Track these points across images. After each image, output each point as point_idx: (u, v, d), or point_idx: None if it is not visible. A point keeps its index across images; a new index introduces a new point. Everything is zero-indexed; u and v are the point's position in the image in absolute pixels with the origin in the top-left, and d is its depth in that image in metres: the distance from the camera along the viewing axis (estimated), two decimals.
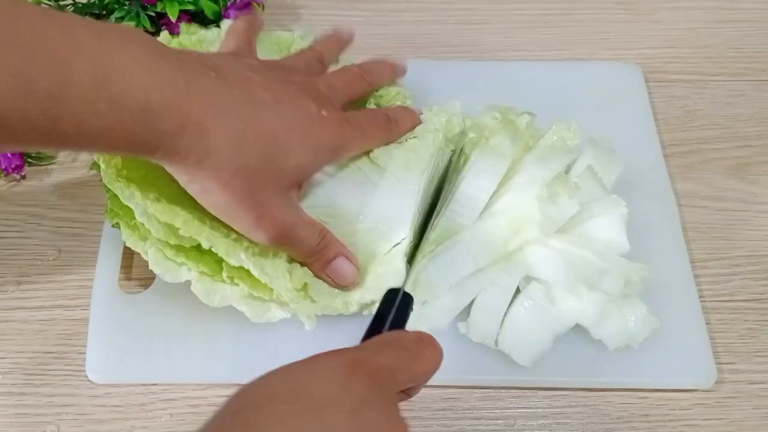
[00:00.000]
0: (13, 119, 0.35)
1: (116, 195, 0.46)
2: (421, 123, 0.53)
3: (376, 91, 0.56)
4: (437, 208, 0.52)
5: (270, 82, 0.46)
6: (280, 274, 0.47)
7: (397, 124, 0.52)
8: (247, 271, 0.47)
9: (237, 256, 0.46)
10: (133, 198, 0.45)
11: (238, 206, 0.44)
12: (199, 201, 0.44)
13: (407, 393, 0.37)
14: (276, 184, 0.45)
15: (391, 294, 0.42)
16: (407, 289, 0.42)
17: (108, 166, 0.46)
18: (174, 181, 0.47)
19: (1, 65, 0.34)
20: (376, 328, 0.40)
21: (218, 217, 0.45)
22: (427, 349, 0.37)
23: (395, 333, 0.40)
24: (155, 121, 0.39)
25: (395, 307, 0.41)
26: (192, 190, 0.43)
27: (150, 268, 0.47)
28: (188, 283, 0.47)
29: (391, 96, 0.56)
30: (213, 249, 0.46)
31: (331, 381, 0.32)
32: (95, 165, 0.48)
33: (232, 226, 0.45)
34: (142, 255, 0.47)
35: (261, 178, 0.44)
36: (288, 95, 0.46)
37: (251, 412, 0.30)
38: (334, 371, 0.33)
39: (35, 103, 0.35)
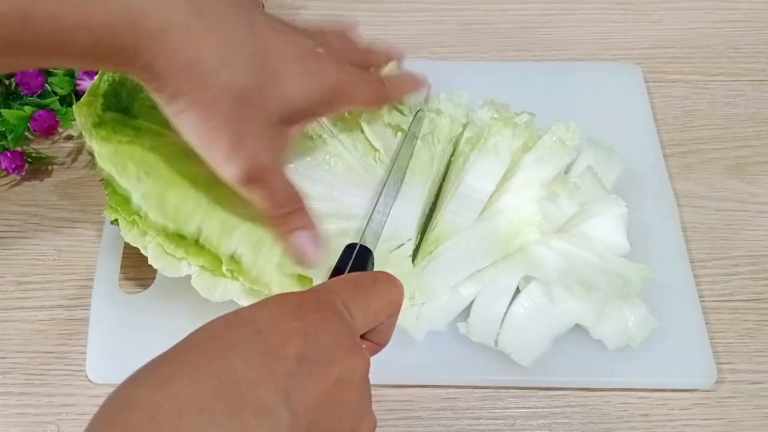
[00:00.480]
0: None
1: (114, 191, 0.46)
2: (421, 87, 0.53)
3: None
4: (437, 207, 0.52)
5: (269, 16, 0.44)
6: (273, 265, 0.46)
7: (393, 86, 0.50)
8: (242, 266, 0.47)
9: (229, 244, 0.45)
10: (129, 180, 0.45)
11: (216, 131, 0.40)
12: (176, 125, 0.41)
13: (374, 341, 0.36)
14: (261, 115, 0.41)
15: (349, 249, 0.41)
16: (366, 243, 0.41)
17: (102, 148, 0.46)
18: (170, 163, 0.47)
19: None
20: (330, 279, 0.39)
21: (194, 147, 0.42)
22: (383, 283, 0.36)
23: (349, 274, 0.39)
24: (137, 18, 0.36)
25: (351, 261, 0.40)
26: (170, 111, 0.40)
27: (150, 263, 0.46)
28: (188, 283, 0.47)
29: None
30: (201, 238, 0.45)
31: (279, 313, 0.31)
32: (93, 163, 0.48)
33: (205, 157, 0.42)
34: (142, 250, 0.47)
35: (246, 105, 0.40)
36: (285, 28, 0.44)
37: (200, 339, 0.30)
38: (283, 305, 0.32)
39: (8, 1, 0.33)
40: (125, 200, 0.46)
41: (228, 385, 0.27)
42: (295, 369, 0.29)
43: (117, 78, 0.49)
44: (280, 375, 0.29)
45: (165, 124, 0.44)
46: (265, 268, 0.46)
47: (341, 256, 0.40)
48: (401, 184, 0.51)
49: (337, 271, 0.40)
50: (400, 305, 0.36)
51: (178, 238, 0.46)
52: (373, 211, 0.47)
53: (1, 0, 0.33)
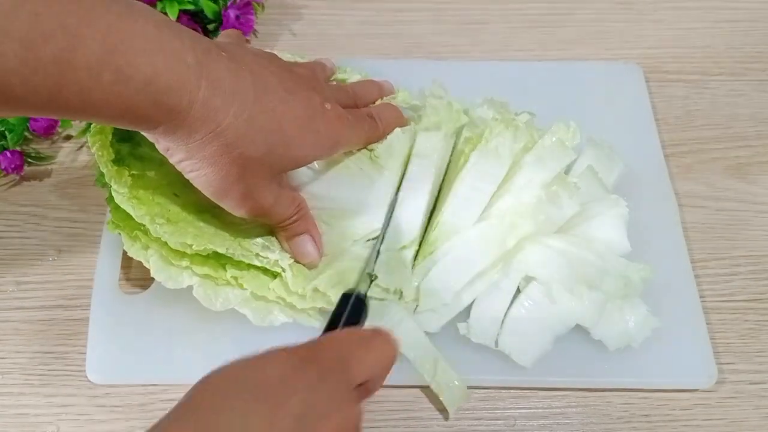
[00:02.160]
0: (15, 84, 0.34)
1: (118, 206, 0.47)
2: (405, 121, 0.54)
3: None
4: (436, 208, 0.52)
5: (279, 69, 0.46)
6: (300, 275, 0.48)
7: (382, 123, 0.52)
8: (253, 271, 0.47)
9: (250, 256, 0.47)
10: (143, 219, 0.46)
11: (229, 188, 0.44)
12: (187, 177, 0.44)
13: (366, 391, 0.37)
14: (270, 171, 0.45)
15: (345, 298, 0.43)
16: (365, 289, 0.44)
17: (119, 186, 0.46)
18: (179, 195, 0.48)
19: (6, 28, 0.33)
20: (328, 331, 0.41)
21: (203, 192, 0.45)
22: (379, 340, 0.38)
23: (347, 329, 0.41)
24: (161, 96, 0.38)
25: (348, 310, 0.42)
26: (184, 167, 0.43)
27: (152, 275, 0.47)
28: (189, 287, 0.47)
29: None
30: (229, 253, 0.47)
31: (282, 369, 0.33)
32: (100, 179, 0.48)
33: (214, 200, 0.45)
34: (144, 263, 0.47)
35: (258, 165, 0.44)
36: (295, 84, 0.46)
37: (205, 395, 0.32)
38: (288, 360, 0.34)
39: (39, 70, 0.34)
40: (127, 216, 0.47)
41: None
42: (294, 427, 0.32)
43: None
44: None
45: None
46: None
47: (337, 306, 0.43)
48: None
49: (333, 321, 0.42)
50: (395, 360, 0.38)
51: (182, 251, 0.46)
52: (374, 254, 0.49)
53: (36, 72, 0.35)
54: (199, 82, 0.39)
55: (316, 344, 0.36)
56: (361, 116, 0.51)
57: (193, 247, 0.46)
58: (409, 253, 0.50)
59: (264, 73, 0.44)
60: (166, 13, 0.60)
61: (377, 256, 0.49)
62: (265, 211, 0.46)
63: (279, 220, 0.48)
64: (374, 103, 0.55)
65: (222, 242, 0.47)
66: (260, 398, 0.32)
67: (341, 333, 0.40)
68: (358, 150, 0.52)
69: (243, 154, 0.42)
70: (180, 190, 0.49)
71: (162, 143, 0.42)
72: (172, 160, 0.43)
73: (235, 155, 0.42)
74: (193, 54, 0.39)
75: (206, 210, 0.49)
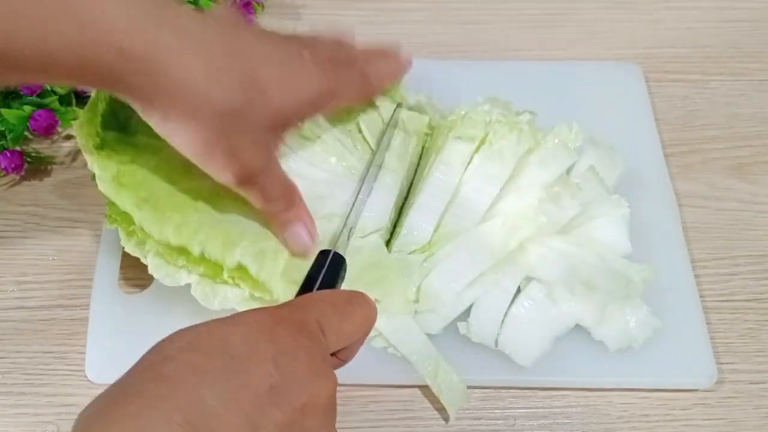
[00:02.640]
0: None
1: (114, 203, 0.46)
2: (401, 71, 0.53)
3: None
4: (410, 196, 0.53)
5: (254, 26, 0.44)
6: (279, 273, 0.47)
7: (375, 78, 0.50)
8: (248, 271, 0.47)
9: (233, 256, 0.46)
10: (125, 206, 0.45)
11: (211, 148, 0.42)
12: (169, 141, 0.42)
13: (341, 358, 0.36)
14: (253, 126, 0.42)
15: (323, 255, 0.41)
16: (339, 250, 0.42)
17: (103, 172, 0.46)
18: (178, 182, 0.47)
19: None
20: (304, 291, 0.40)
21: (189, 158, 0.43)
22: (358, 305, 0.36)
23: (324, 291, 0.39)
24: (122, 42, 0.36)
25: (324, 269, 0.41)
26: (162, 130, 0.41)
27: (150, 272, 0.47)
28: (188, 285, 0.47)
29: None
30: (205, 254, 0.45)
31: (253, 334, 0.31)
32: (94, 176, 0.48)
33: (200, 167, 0.43)
34: (142, 259, 0.47)
35: (237, 119, 0.41)
36: (271, 37, 0.44)
37: (168, 364, 0.29)
38: (257, 324, 0.32)
39: None
40: (124, 211, 0.47)
41: (196, 423, 0.27)
42: (264, 401, 0.29)
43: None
44: (249, 409, 0.29)
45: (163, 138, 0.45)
46: (270, 276, 0.46)
47: (314, 263, 0.41)
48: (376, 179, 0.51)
49: (310, 278, 0.40)
50: (372, 327, 0.37)
51: (178, 249, 0.46)
52: (350, 213, 0.48)
53: None
54: (160, 28, 0.37)
55: (288, 306, 0.35)
56: (352, 72, 0.49)
57: (171, 241, 0.45)
58: (377, 238, 0.50)
59: (236, 24, 0.42)
60: None
61: (343, 228, 0.47)
62: (254, 177, 0.44)
63: (267, 200, 0.45)
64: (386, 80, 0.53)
65: (206, 238, 0.45)
66: (225, 368, 0.29)
67: (317, 294, 0.38)
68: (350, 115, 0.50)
69: (218, 107, 0.40)
70: (180, 176, 0.47)
71: (137, 104, 0.40)
72: (151, 124, 0.41)
73: (209, 109, 0.40)
74: (153, 3, 0.38)
75: (206, 199, 0.47)
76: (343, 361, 0.37)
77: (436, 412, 0.49)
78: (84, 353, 0.50)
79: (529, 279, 0.50)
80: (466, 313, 0.50)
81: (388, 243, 0.51)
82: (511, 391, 0.50)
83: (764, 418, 0.50)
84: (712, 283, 0.55)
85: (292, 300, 0.36)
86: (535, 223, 0.50)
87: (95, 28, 0.36)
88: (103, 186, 0.46)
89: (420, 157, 0.56)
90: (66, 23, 0.35)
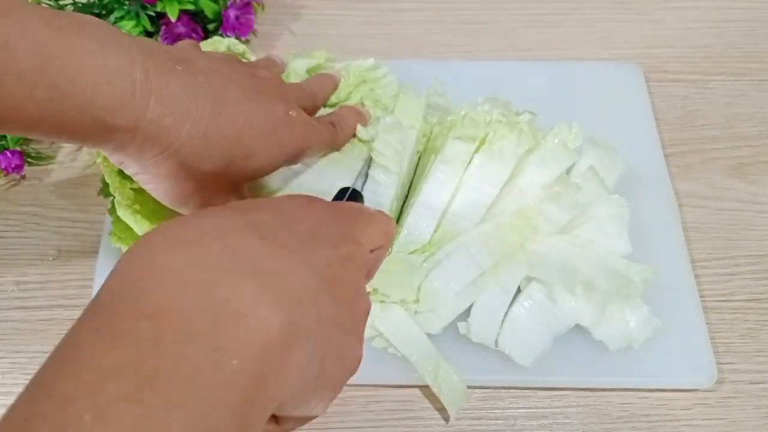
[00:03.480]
0: None
1: (119, 218, 0.47)
2: (366, 119, 0.54)
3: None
4: (408, 198, 0.53)
5: (240, 76, 0.44)
6: None
7: (342, 130, 0.51)
8: None
9: None
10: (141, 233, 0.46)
11: (187, 200, 0.43)
12: (143, 187, 0.43)
13: (373, 260, 0.37)
14: (229, 183, 0.44)
15: (342, 192, 0.43)
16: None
17: (122, 198, 0.46)
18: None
19: None
20: None
21: (161, 202, 0.44)
22: (381, 215, 0.38)
23: (351, 202, 0.42)
24: (103, 116, 0.37)
25: (346, 197, 0.43)
26: (140, 180, 0.42)
27: None
28: None
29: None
30: None
31: (298, 201, 0.34)
32: (104, 189, 0.48)
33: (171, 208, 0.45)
34: None
35: (216, 178, 0.43)
36: (257, 92, 0.44)
37: (227, 212, 0.30)
38: (300, 197, 0.34)
39: None
40: (129, 228, 0.47)
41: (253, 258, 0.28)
42: (307, 240, 0.31)
43: None
44: (296, 245, 0.30)
45: None
46: None
47: (335, 197, 0.43)
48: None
49: None
50: (392, 238, 0.39)
51: None
52: (363, 168, 0.51)
53: None
54: (146, 100, 0.38)
55: (317, 203, 0.35)
56: (324, 124, 0.50)
57: None
58: None
59: (224, 82, 0.42)
60: (165, 14, 0.60)
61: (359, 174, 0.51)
62: None
63: None
64: (329, 97, 0.55)
65: None
66: (274, 219, 0.30)
67: (342, 203, 0.40)
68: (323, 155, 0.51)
69: (200, 170, 0.41)
70: None
71: (114, 157, 0.41)
72: (127, 172, 0.42)
73: (191, 171, 0.41)
74: (143, 70, 0.38)
75: None
76: (375, 264, 0.37)
77: (436, 412, 0.49)
78: None
79: (529, 279, 0.50)
80: (466, 313, 0.50)
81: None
82: (511, 391, 0.50)
83: (764, 418, 0.50)
84: (712, 283, 0.55)
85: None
86: (535, 223, 0.50)
87: (76, 100, 0.36)
88: (123, 212, 0.47)
89: (419, 157, 0.56)
90: (45, 92, 0.35)
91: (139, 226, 0.46)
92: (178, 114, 0.39)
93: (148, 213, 0.47)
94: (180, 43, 0.47)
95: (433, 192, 0.51)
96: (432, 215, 0.51)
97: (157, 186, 0.42)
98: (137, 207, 0.47)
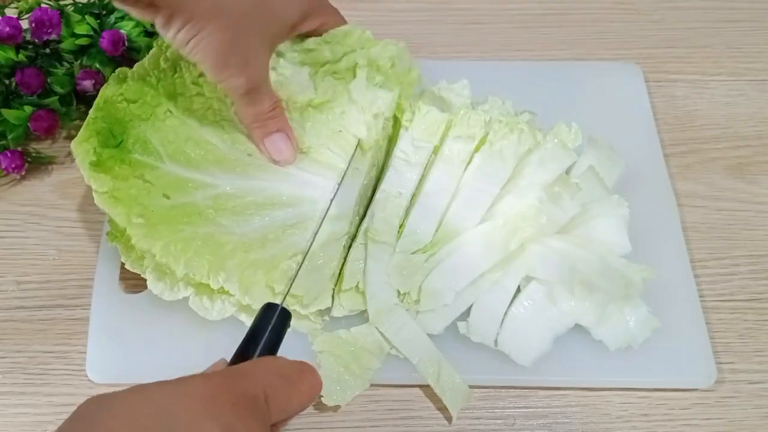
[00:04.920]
0: None
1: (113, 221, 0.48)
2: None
3: None
4: (371, 202, 0.52)
5: None
6: (262, 294, 0.47)
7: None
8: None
9: (216, 281, 0.46)
10: (119, 218, 0.47)
11: (229, 54, 0.45)
12: (188, 52, 0.45)
13: (277, 427, 0.35)
14: (262, 33, 0.47)
15: (268, 310, 0.39)
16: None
17: (100, 187, 0.47)
18: (170, 197, 0.48)
19: None
20: (249, 346, 0.38)
21: (202, 67, 0.46)
22: (308, 381, 0.36)
23: (275, 359, 0.37)
24: None
25: (271, 326, 0.38)
26: (182, 37, 0.44)
27: (149, 287, 0.48)
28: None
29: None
30: (190, 275, 0.46)
31: (194, 407, 0.30)
32: (112, 234, 0.50)
33: (213, 74, 0.46)
34: (141, 275, 0.48)
35: (247, 25, 0.45)
36: None
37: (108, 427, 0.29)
38: (202, 397, 0.31)
39: None
40: (124, 228, 0.47)
41: None
42: None
43: (112, 112, 0.51)
44: None
45: (158, 156, 0.49)
46: (254, 299, 0.47)
47: (259, 317, 0.39)
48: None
49: (254, 334, 0.39)
50: (315, 398, 0.36)
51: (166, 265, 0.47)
52: (302, 263, 0.47)
53: None
54: None
55: (236, 373, 0.33)
56: None
57: (157, 258, 0.46)
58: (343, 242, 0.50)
59: None
60: None
61: (292, 282, 0.46)
62: (255, 88, 0.47)
63: (258, 111, 0.49)
64: None
65: (194, 256, 0.46)
66: None
67: (267, 363, 0.36)
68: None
69: (231, 15, 0.44)
70: (173, 192, 0.49)
71: (160, 17, 0.43)
72: (169, 35, 0.44)
73: (226, 14, 0.44)
74: None
75: (199, 213, 0.48)
76: (280, 428, 0.36)
77: (435, 412, 0.49)
78: (84, 353, 0.50)
79: (529, 279, 0.50)
80: (466, 313, 0.50)
81: (355, 234, 0.52)
82: (511, 390, 0.50)
83: (763, 417, 0.50)
84: (712, 283, 0.55)
85: (241, 366, 0.35)
86: (535, 223, 0.50)
87: None
88: (99, 199, 0.47)
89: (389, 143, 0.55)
90: None
91: (113, 209, 0.47)
92: None
93: (128, 199, 0.48)
94: None
95: (433, 192, 0.51)
96: (433, 215, 0.51)
97: (199, 40, 0.43)
98: (116, 194, 0.48)
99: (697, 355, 0.50)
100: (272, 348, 0.38)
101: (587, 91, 0.63)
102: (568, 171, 0.54)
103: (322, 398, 0.47)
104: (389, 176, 0.52)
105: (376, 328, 0.49)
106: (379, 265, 0.50)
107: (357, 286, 0.50)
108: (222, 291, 0.47)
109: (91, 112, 0.51)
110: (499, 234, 0.50)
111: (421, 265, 0.50)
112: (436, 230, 0.51)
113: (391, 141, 0.55)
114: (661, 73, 0.66)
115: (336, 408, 0.48)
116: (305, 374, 0.36)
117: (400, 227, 0.52)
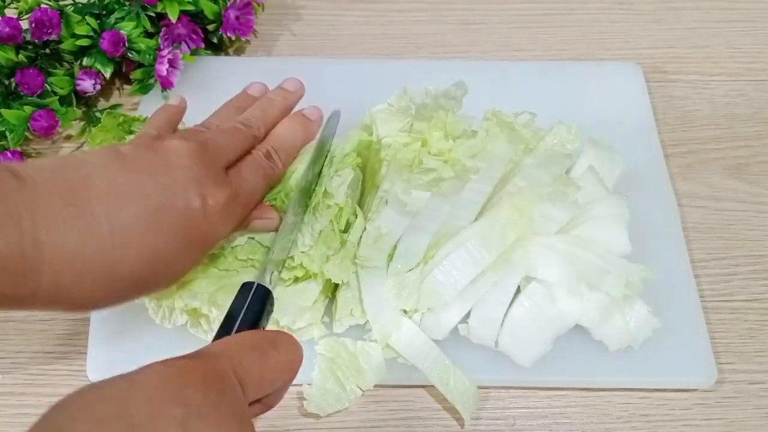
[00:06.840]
0: None
1: None
2: (315, 128, 0.51)
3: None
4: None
5: (145, 183, 0.39)
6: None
7: (281, 160, 0.48)
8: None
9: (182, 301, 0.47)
10: None
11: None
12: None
13: (264, 403, 0.33)
14: (155, 289, 0.42)
15: (245, 289, 0.37)
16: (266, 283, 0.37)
17: None
18: None
19: None
20: (225, 329, 0.36)
21: None
22: (283, 349, 0.33)
23: (244, 333, 0.35)
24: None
25: (246, 305, 0.36)
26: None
27: (150, 315, 0.48)
28: None
29: None
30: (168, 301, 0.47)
31: (157, 395, 0.28)
32: None
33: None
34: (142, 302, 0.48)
35: (140, 293, 0.40)
36: (167, 194, 0.39)
37: (69, 423, 0.26)
38: (163, 382, 0.28)
39: None
40: None
41: None
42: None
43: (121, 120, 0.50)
44: None
45: None
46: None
47: (236, 297, 0.37)
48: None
49: (231, 315, 0.37)
50: (298, 369, 0.34)
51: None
52: (275, 244, 0.45)
53: None
54: (39, 272, 0.34)
55: (201, 356, 0.31)
56: (256, 166, 0.46)
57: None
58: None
59: (125, 205, 0.37)
60: (166, 14, 0.60)
61: (269, 258, 0.43)
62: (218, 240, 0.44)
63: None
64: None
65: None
66: None
67: (234, 338, 0.34)
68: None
69: (116, 293, 0.39)
70: None
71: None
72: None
73: (103, 303, 0.39)
74: (32, 240, 0.34)
75: None
76: (269, 407, 0.34)
77: (436, 412, 0.49)
78: (85, 353, 0.50)
79: (529, 279, 0.50)
80: (466, 314, 0.50)
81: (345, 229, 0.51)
82: (511, 391, 0.50)
83: (764, 418, 0.50)
84: (712, 283, 0.55)
85: (206, 347, 0.32)
86: (535, 222, 0.50)
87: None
88: None
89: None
90: None
91: None
92: (78, 268, 0.35)
93: None
94: (90, 151, 0.42)
95: (423, 214, 0.49)
96: (423, 236, 0.50)
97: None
98: None
99: (697, 355, 0.50)
100: (251, 328, 0.36)
101: (587, 91, 0.63)
102: (568, 171, 0.54)
103: (304, 402, 0.47)
104: (386, 214, 0.49)
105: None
106: (376, 288, 0.49)
107: (351, 312, 0.49)
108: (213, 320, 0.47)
109: (104, 117, 0.51)
110: (498, 233, 0.50)
111: (419, 283, 0.49)
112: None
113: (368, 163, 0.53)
114: (661, 73, 0.66)
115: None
116: (279, 342, 0.33)
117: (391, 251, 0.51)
